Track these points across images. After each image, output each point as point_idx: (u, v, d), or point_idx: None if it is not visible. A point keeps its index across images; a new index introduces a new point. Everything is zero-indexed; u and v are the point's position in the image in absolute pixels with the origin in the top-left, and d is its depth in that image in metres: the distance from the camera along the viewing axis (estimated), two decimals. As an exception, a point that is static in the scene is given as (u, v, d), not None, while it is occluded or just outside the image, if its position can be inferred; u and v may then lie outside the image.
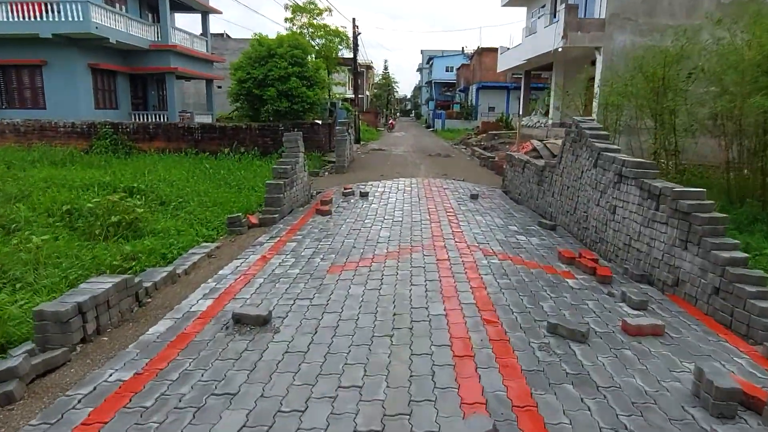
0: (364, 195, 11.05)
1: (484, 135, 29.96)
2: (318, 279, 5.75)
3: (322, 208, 9.27)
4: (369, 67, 56.54)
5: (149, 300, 5.26)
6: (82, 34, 19.52)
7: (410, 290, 5.38)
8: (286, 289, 5.42)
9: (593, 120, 8.80)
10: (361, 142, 28.26)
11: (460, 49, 59.30)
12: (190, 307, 4.92)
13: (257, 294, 5.30)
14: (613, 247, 6.79)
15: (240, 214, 8.65)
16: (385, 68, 74.08)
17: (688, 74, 10.87)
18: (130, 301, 4.88)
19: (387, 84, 66.78)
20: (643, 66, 11.38)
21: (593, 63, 23.21)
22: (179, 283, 5.80)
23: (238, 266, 6.28)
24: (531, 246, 7.29)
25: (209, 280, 5.75)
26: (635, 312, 4.93)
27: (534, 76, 42.37)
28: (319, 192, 11.92)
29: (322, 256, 6.64)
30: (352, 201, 10.67)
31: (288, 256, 6.67)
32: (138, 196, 10.66)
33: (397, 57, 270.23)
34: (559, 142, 20.36)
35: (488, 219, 9.01)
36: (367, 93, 56.11)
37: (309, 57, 20.27)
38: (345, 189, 11.55)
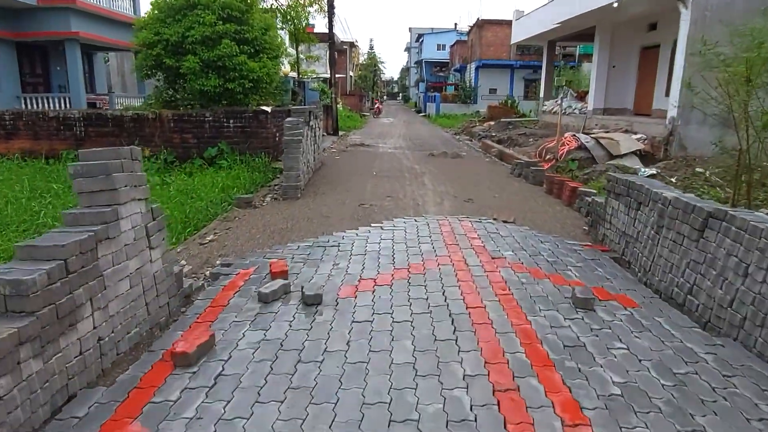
0: (312, 300, 4.25)
1: (493, 123, 23.16)
2: None
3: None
4: (353, 45, 49.06)
5: None
6: None
7: None
8: None
9: None
10: (340, 133, 21.29)
11: (453, 24, 51.88)
12: None
13: None
14: None
15: None
16: (371, 47, 66.18)
17: None
18: None
19: (373, 64, 59.10)
20: None
21: (653, 27, 16.41)
22: None
23: None
24: None
25: None
26: None
27: (536, 53, 35.40)
28: (220, 275, 5.07)
29: None
30: (274, 331, 3.88)
31: None
32: None
33: (383, 37, 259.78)
34: (617, 136, 13.65)
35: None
36: (351, 74, 48.69)
37: (262, 19, 13.07)
38: (273, 270, 4.75)
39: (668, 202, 4.76)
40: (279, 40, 13.11)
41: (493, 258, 5.44)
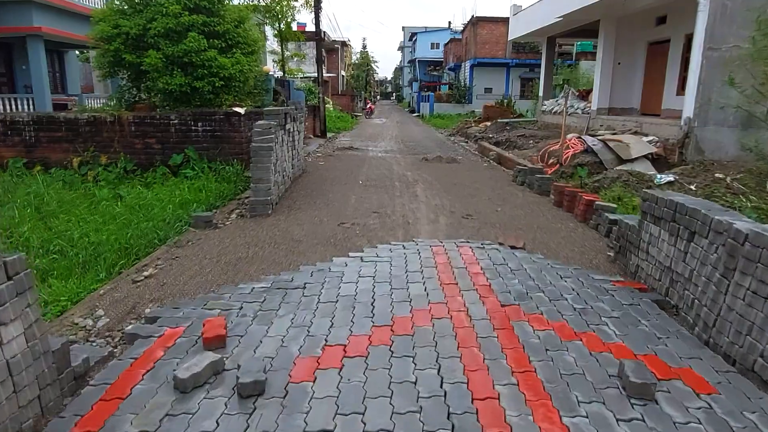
0: (250, 390, 2.91)
1: (490, 124, 21.90)
2: None
3: None
4: (345, 44, 47.70)
5: None
6: None
7: None
8: None
9: None
10: (329, 135, 19.96)
11: (447, 23, 50.56)
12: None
13: None
14: None
15: None
16: (364, 47, 64.65)
17: None
18: None
19: (366, 63, 57.65)
20: None
21: (662, 20, 15.17)
22: None
23: None
24: None
25: None
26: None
27: (532, 51, 34.14)
28: (139, 336, 3.71)
29: None
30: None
31: None
32: None
33: (377, 39, 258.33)
34: (627, 138, 12.41)
35: None
36: (343, 73, 47.32)
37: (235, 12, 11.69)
38: (206, 335, 3.43)
39: (743, 237, 3.47)
40: (256, 33, 11.73)
41: (503, 305, 4.13)
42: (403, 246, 5.73)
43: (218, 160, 10.07)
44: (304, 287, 4.47)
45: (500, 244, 5.89)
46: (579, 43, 29.44)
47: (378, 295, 4.31)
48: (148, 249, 5.99)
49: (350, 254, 5.44)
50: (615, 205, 7.18)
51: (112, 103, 11.55)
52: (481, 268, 5.00)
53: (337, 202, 8.28)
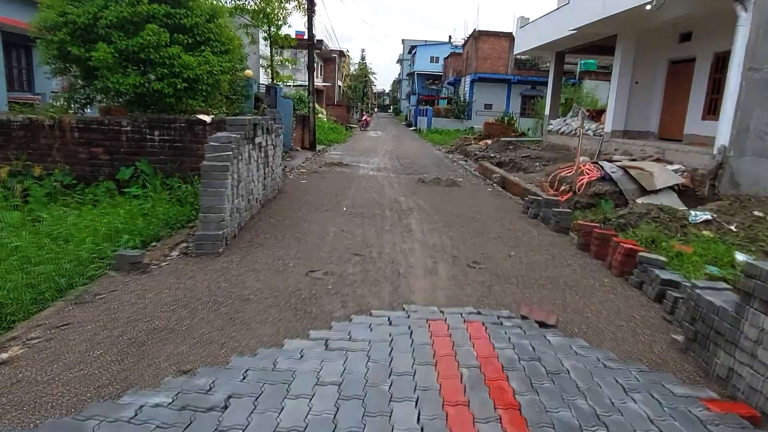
0: None
1: (491, 142, 20.38)
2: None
3: None
4: (342, 54, 46.31)
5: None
6: None
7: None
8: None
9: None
10: (318, 148, 18.30)
11: (447, 37, 49.40)
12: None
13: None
14: None
15: None
16: (363, 58, 63.26)
17: None
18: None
19: (363, 74, 56.22)
20: None
21: (686, 37, 13.72)
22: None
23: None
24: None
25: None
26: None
27: (534, 68, 32.86)
28: None
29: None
30: None
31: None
32: None
33: (376, 51, 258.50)
34: (650, 165, 10.80)
35: None
36: (340, 84, 45.84)
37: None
38: None
39: None
40: (232, 31, 10.09)
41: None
42: (389, 320, 4.02)
43: (176, 176, 8.37)
44: (225, 407, 2.75)
45: (523, 317, 4.21)
46: (583, 61, 28.16)
47: (341, 430, 2.59)
48: (36, 306, 4.26)
49: (311, 335, 3.73)
50: (665, 259, 5.55)
51: (57, 104, 9.83)
52: (503, 368, 3.31)
53: (312, 237, 6.58)
